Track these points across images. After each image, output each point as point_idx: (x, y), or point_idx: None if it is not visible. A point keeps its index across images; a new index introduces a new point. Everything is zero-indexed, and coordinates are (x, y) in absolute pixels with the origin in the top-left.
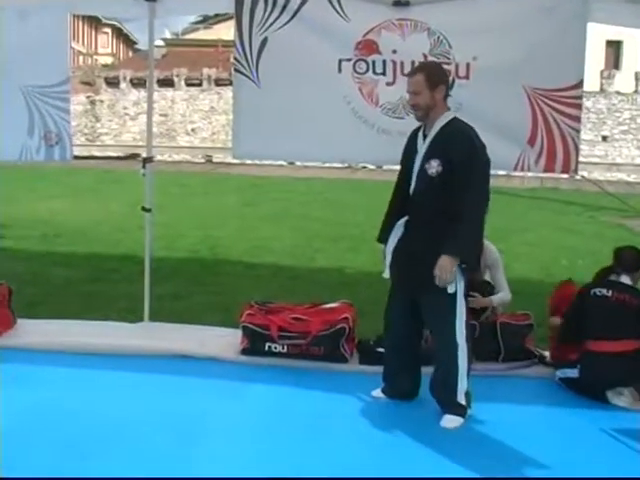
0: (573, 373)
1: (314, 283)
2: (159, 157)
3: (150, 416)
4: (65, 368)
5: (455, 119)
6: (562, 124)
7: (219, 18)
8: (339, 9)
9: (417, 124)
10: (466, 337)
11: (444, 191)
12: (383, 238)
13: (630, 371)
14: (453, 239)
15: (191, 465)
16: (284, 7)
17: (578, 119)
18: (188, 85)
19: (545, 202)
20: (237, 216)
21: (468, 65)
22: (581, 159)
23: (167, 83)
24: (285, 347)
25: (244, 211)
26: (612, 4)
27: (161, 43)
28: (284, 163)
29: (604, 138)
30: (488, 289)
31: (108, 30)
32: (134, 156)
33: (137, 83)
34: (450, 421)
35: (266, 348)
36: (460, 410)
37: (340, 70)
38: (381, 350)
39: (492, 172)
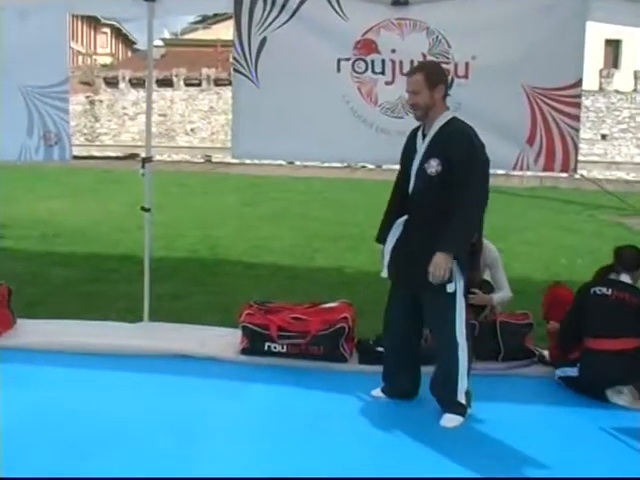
0: (573, 372)
1: (313, 283)
2: (158, 157)
3: (150, 416)
4: (65, 368)
5: (454, 119)
6: (561, 123)
7: (218, 18)
8: (338, 8)
9: (416, 124)
10: (466, 336)
11: (443, 190)
12: (382, 238)
13: (630, 369)
14: (447, 236)
15: (191, 465)
16: (283, 7)
17: (577, 118)
18: (187, 85)
19: (544, 201)
20: (236, 216)
21: (467, 64)
22: (580, 158)
23: (166, 83)
24: (284, 347)
25: (243, 211)
26: (611, 3)
27: (160, 43)
28: (283, 163)
29: (603, 137)
30: (488, 288)
31: (107, 30)
32: (133, 156)
33: (136, 83)
34: (450, 420)
35: (266, 348)
36: (460, 409)
37: (339, 69)
38: (381, 349)
39: (491, 171)
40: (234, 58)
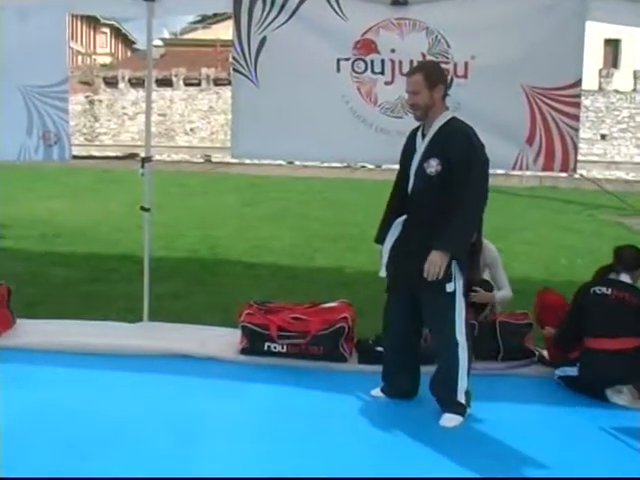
0: (572, 371)
1: (313, 283)
2: (158, 157)
3: (150, 416)
4: (64, 368)
5: (454, 118)
6: (561, 123)
7: (217, 18)
8: (337, 8)
9: (416, 123)
10: (466, 335)
11: (443, 190)
12: (380, 238)
13: (629, 369)
14: (444, 235)
15: (191, 465)
16: (282, 6)
17: (577, 118)
18: (187, 85)
19: (544, 201)
20: (236, 216)
21: (466, 64)
22: (580, 157)
23: (166, 83)
24: (284, 347)
25: (243, 211)
26: (611, 3)
27: (160, 43)
28: (283, 163)
29: (603, 136)
30: (487, 288)
31: (107, 30)
32: (133, 156)
33: (136, 83)
34: (450, 420)
35: (265, 348)
36: (460, 409)
37: (339, 69)
38: (380, 349)
39: (491, 171)
40: (233, 58)
